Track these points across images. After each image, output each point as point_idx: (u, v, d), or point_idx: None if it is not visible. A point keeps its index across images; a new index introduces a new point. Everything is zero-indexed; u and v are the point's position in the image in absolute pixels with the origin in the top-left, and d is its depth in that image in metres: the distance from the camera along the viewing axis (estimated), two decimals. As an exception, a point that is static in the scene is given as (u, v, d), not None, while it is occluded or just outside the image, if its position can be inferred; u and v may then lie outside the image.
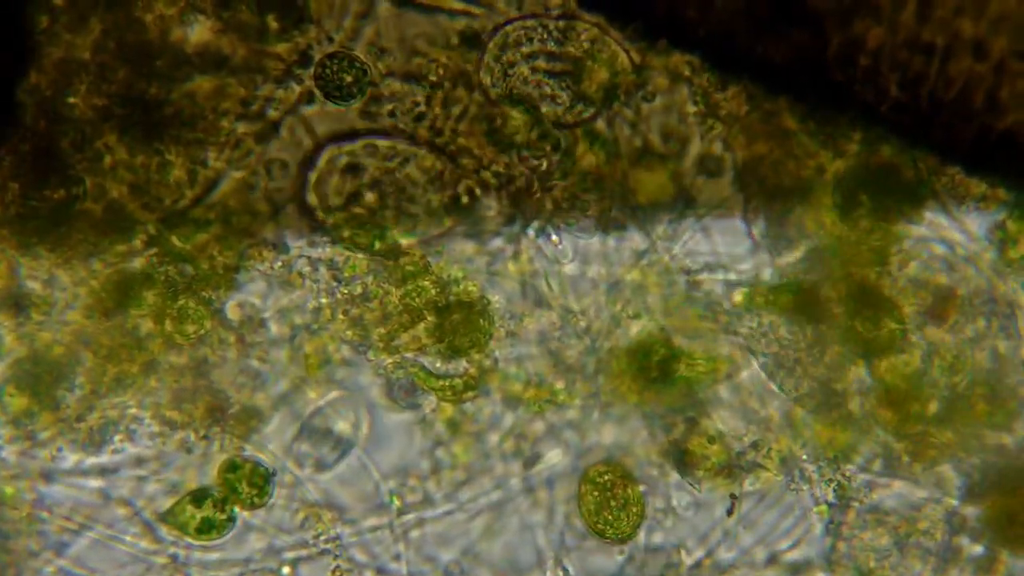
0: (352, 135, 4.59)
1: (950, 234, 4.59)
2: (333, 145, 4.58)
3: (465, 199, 4.59)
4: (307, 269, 4.59)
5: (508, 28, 4.58)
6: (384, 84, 4.59)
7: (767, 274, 4.59)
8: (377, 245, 4.58)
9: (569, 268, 4.62)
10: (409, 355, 4.59)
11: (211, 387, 4.57)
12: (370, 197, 4.55)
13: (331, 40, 4.57)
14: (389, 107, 4.59)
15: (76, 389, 4.54)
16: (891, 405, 4.56)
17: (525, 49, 4.58)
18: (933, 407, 4.56)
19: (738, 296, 4.58)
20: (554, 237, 4.61)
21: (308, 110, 4.58)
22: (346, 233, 4.59)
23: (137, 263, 4.55)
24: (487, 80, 4.59)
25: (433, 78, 4.59)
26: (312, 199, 4.57)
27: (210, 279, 4.56)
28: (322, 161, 4.58)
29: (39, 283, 4.54)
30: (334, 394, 4.60)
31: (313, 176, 4.57)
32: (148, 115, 4.53)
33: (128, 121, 4.52)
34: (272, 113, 4.58)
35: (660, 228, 4.61)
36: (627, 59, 4.59)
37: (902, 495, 4.58)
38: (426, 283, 4.59)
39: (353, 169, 4.52)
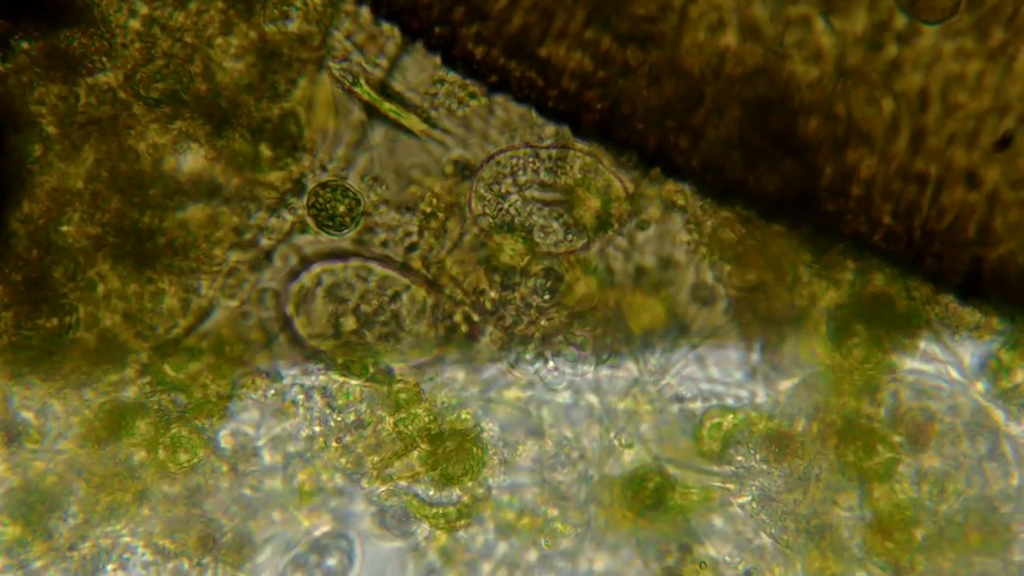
0: (344, 256, 4.60)
1: (943, 364, 4.58)
2: (323, 263, 4.58)
3: (463, 327, 4.59)
4: (300, 397, 4.59)
5: (501, 157, 4.58)
6: (377, 213, 4.59)
7: (760, 404, 4.59)
8: (371, 372, 4.58)
9: (563, 396, 4.61)
10: (402, 483, 4.58)
11: (204, 516, 4.56)
12: (350, 322, 4.55)
13: (325, 169, 4.57)
14: (382, 237, 4.59)
15: (69, 518, 4.53)
16: (883, 533, 4.56)
17: (521, 178, 4.58)
18: (924, 533, 4.56)
19: (728, 426, 4.58)
20: (550, 363, 4.61)
21: (301, 239, 4.59)
22: (339, 360, 4.58)
23: (130, 392, 4.54)
24: (479, 209, 4.59)
25: (426, 208, 4.59)
26: (291, 310, 4.57)
27: (203, 408, 4.56)
28: (307, 276, 4.58)
29: (32, 412, 4.53)
30: (327, 522, 4.59)
31: (296, 287, 4.56)
32: (141, 244, 4.53)
33: (121, 250, 4.52)
34: (265, 242, 4.58)
35: (653, 356, 4.61)
36: (620, 187, 4.59)
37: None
38: (419, 411, 4.58)
39: (336, 295, 4.53)
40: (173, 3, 4.50)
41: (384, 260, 4.59)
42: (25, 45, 4.48)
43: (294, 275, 4.58)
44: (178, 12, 4.50)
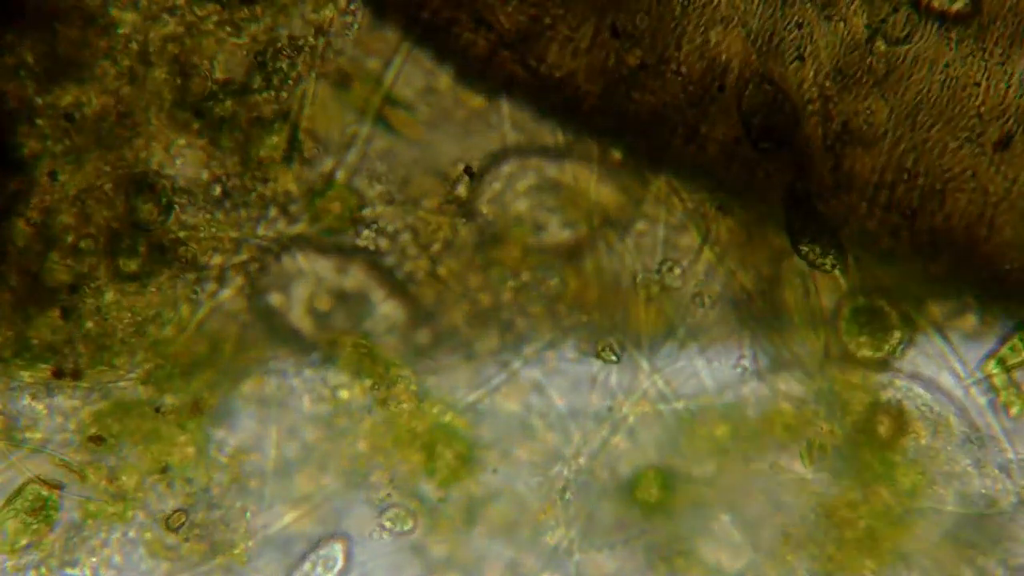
0: (336, 252, 4.62)
1: (943, 365, 4.58)
2: (314, 255, 4.60)
3: (463, 326, 4.60)
4: (301, 398, 4.59)
5: (502, 160, 4.59)
6: (377, 213, 4.60)
7: (760, 404, 4.59)
8: (369, 370, 4.58)
9: (562, 396, 4.62)
10: (403, 484, 4.59)
11: (204, 516, 4.56)
12: (324, 300, 4.56)
13: (324, 171, 4.58)
14: (385, 237, 4.60)
15: (67, 518, 4.54)
16: (882, 533, 4.56)
17: (520, 178, 4.59)
18: (923, 533, 4.56)
19: (727, 426, 4.59)
20: (549, 363, 4.62)
21: (300, 241, 4.60)
22: (339, 359, 4.59)
23: (129, 392, 4.55)
24: (478, 209, 4.60)
25: (428, 205, 4.60)
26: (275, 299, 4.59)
27: (203, 407, 4.56)
28: (303, 260, 4.60)
29: (32, 411, 4.54)
30: (327, 523, 4.59)
31: (285, 267, 4.58)
32: (141, 245, 4.53)
33: (121, 250, 4.53)
34: (264, 245, 4.59)
35: (653, 356, 4.61)
36: (620, 187, 4.60)
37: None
38: (418, 411, 4.59)
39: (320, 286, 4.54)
40: (171, 5, 4.52)
41: (374, 261, 4.60)
42: (24, 46, 4.49)
43: (282, 256, 4.60)
44: (177, 14, 4.52)
